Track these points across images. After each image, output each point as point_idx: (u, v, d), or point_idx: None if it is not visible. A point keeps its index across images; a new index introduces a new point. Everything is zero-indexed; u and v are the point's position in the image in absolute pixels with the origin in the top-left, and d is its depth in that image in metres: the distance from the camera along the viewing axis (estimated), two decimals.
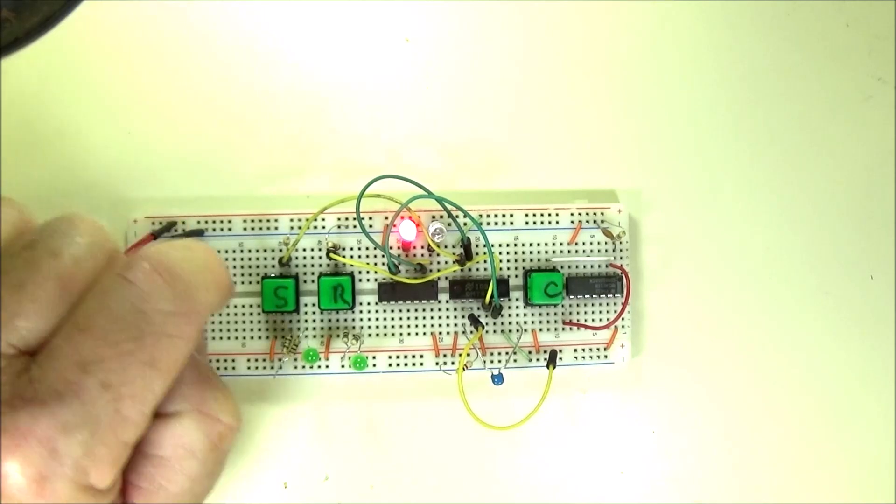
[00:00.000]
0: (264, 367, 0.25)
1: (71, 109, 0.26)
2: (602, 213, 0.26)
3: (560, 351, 0.26)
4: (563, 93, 0.27)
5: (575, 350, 0.26)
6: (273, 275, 0.25)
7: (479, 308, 0.25)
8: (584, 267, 0.26)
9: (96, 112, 0.26)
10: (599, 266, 0.26)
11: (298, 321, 0.25)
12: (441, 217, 0.25)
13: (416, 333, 0.25)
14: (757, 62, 0.28)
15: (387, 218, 0.25)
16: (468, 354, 0.25)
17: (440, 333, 0.25)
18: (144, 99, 0.26)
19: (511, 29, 0.27)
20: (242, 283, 0.25)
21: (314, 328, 0.25)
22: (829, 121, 0.28)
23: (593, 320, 0.26)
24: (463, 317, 0.25)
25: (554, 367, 0.25)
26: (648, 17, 0.28)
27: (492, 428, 0.24)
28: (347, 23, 0.27)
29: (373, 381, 0.26)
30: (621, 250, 0.26)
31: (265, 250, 0.25)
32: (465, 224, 0.25)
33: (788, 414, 0.28)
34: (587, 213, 0.26)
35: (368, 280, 0.25)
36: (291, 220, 0.25)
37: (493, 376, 0.25)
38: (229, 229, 0.25)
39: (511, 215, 0.26)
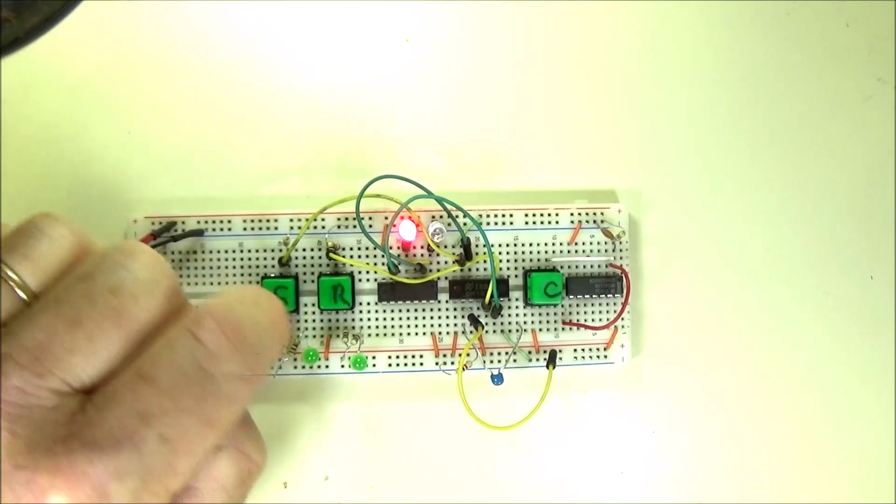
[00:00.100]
0: None
1: (71, 109, 0.26)
2: (602, 213, 0.26)
3: (560, 351, 0.26)
4: (563, 93, 0.27)
5: (575, 350, 0.26)
6: (273, 275, 0.25)
7: (478, 308, 0.25)
8: (584, 267, 0.26)
9: (96, 112, 0.26)
10: (599, 266, 0.26)
11: (298, 321, 0.25)
12: (441, 217, 0.25)
13: (416, 333, 0.25)
14: (757, 62, 0.28)
15: (387, 218, 0.25)
16: (468, 354, 0.25)
17: (440, 333, 0.25)
18: (144, 99, 0.26)
19: (511, 29, 0.27)
20: (242, 283, 0.25)
21: (314, 328, 0.25)
22: (829, 121, 0.28)
23: (593, 320, 0.26)
24: (463, 317, 0.25)
25: (554, 367, 0.25)
26: (648, 17, 0.28)
27: (492, 428, 0.24)
28: (347, 23, 0.27)
29: (373, 381, 0.26)
30: (621, 250, 0.26)
31: (265, 250, 0.25)
32: (464, 224, 0.25)
33: (788, 414, 0.28)
34: (587, 213, 0.26)
35: (368, 280, 0.25)
36: (291, 220, 0.25)
37: (492, 376, 0.25)
38: (229, 229, 0.25)
39: (511, 215, 0.26)
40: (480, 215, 0.25)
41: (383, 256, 0.25)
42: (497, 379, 0.25)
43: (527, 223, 0.26)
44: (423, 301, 0.25)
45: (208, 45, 0.26)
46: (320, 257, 0.25)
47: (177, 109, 0.26)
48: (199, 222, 0.25)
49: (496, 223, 0.26)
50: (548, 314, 0.26)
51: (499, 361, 0.26)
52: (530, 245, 0.26)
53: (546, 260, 0.26)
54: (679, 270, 0.27)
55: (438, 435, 0.26)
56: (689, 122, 0.28)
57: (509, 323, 0.26)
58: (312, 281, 0.25)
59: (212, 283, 0.25)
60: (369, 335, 0.25)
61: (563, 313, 0.26)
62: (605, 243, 0.26)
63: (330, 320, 0.25)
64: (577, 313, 0.26)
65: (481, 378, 0.25)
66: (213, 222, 0.25)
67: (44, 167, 0.25)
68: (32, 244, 0.17)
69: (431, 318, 0.25)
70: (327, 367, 0.25)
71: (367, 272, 0.25)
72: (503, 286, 0.25)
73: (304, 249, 0.25)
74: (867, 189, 0.28)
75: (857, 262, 0.28)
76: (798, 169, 0.28)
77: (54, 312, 0.16)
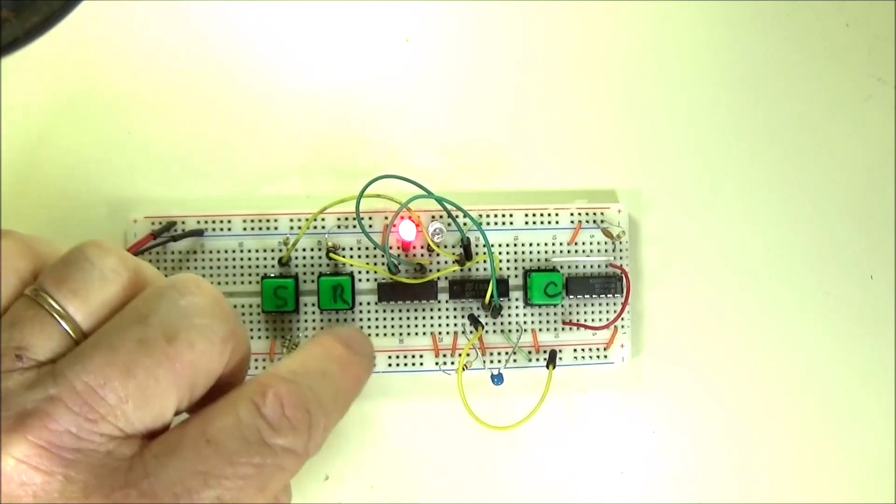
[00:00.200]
0: (264, 367, 0.25)
1: (71, 109, 0.26)
2: (602, 213, 0.26)
3: (560, 351, 0.26)
4: (563, 93, 0.27)
5: (575, 350, 0.26)
6: (273, 275, 0.25)
7: (478, 308, 0.25)
8: (584, 267, 0.26)
9: (96, 112, 0.26)
10: (599, 266, 0.26)
11: (298, 321, 0.25)
12: (441, 217, 0.25)
13: (416, 333, 0.25)
14: (757, 62, 0.28)
15: (386, 218, 0.25)
16: (468, 354, 0.25)
17: (440, 333, 0.25)
18: (144, 99, 0.26)
19: (511, 29, 0.27)
20: (242, 283, 0.25)
21: (314, 328, 0.25)
22: (829, 121, 0.28)
23: (593, 320, 0.26)
24: (463, 317, 0.25)
25: (554, 367, 0.25)
26: (648, 17, 0.28)
27: (492, 428, 0.24)
28: (347, 23, 0.27)
29: (373, 381, 0.26)
30: (621, 250, 0.26)
31: (265, 250, 0.25)
32: (464, 224, 0.25)
33: (788, 414, 0.28)
34: (587, 213, 0.26)
35: (368, 280, 0.25)
36: (291, 220, 0.25)
37: (492, 376, 0.25)
38: (229, 229, 0.25)
39: (511, 215, 0.26)
40: (480, 215, 0.25)
41: (383, 256, 0.25)
42: (497, 379, 0.25)
43: (527, 223, 0.26)
44: (423, 301, 0.25)
45: (208, 46, 0.26)
46: (320, 257, 0.25)
47: (177, 109, 0.26)
48: (199, 222, 0.25)
49: (496, 223, 0.26)
50: (548, 314, 0.26)
51: (499, 361, 0.26)
52: (530, 245, 0.26)
53: (546, 260, 0.26)
54: (679, 270, 0.27)
55: (438, 435, 0.26)
56: (689, 122, 0.28)
57: (509, 323, 0.26)
58: (312, 281, 0.25)
59: (212, 283, 0.25)
60: (369, 335, 0.25)
61: (563, 313, 0.26)
62: (605, 243, 0.26)
63: (330, 320, 0.25)
64: (577, 313, 0.26)
65: (481, 378, 0.25)
66: (213, 222, 0.25)
67: (44, 167, 0.25)
68: (82, 278, 0.16)
69: (431, 318, 0.25)
70: None
71: (367, 272, 0.25)
72: (503, 286, 0.25)
73: (304, 249, 0.25)
74: (867, 189, 0.28)
75: (857, 262, 0.28)
76: (798, 169, 0.28)
77: (107, 359, 0.15)
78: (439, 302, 0.25)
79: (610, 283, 0.26)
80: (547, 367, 0.25)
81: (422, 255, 0.25)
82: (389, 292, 0.25)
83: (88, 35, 0.26)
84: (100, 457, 0.15)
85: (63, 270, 0.17)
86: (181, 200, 0.26)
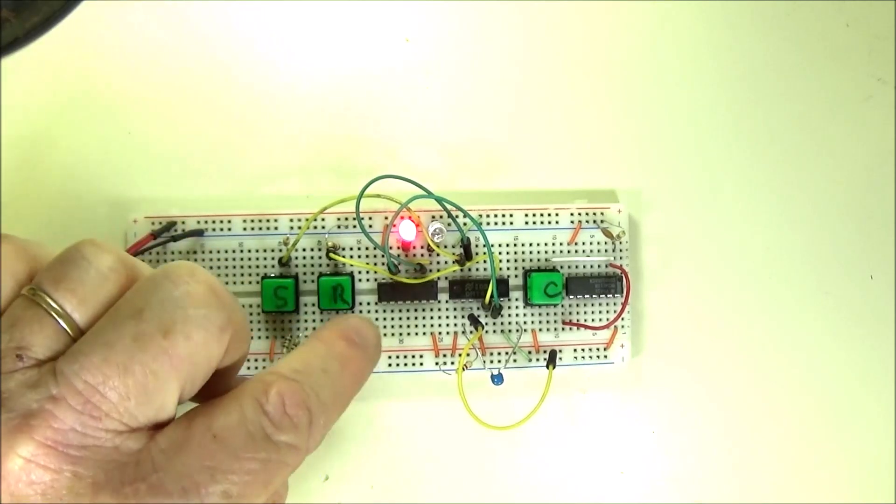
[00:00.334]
0: (264, 368, 0.25)
1: (71, 109, 0.26)
2: (602, 213, 0.26)
3: (560, 351, 0.26)
4: (563, 93, 0.27)
5: (575, 350, 0.26)
6: (273, 275, 0.25)
7: (478, 308, 0.25)
8: (584, 267, 0.26)
9: (96, 112, 0.26)
10: (599, 266, 0.26)
11: (298, 321, 0.25)
12: (441, 217, 0.25)
13: (416, 333, 0.25)
14: (757, 62, 0.28)
15: (386, 218, 0.25)
16: (468, 354, 0.25)
17: (440, 333, 0.25)
18: (144, 99, 0.26)
19: (511, 29, 0.27)
20: (242, 283, 0.25)
21: (314, 328, 0.25)
22: (829, 121, 0.28)
23: (593, 320, 0.26)
24: (463, 317, 0.25)
25: (554, 367, 0.25)
26: (648, 17, 0.28)
27: (492, 428, 0.24)
28: (347, 23, 0.27)
29: (373, 381, 0.26)
30: (621, 250, 0.26)
31: (265, 250, 0.25)
32: (464, 224, 0.25)
33: (788, 414, 0.28)
34: (587, 213, 0.26)
35: (368, 280, 0.25)
36: (291, 220, 0.25)
37: (492, 376, 0.25)
38: (229, 229, 0.25)
39: (511, 215, 0.26)
40: (480, 215, 0.25)
41: (383, 256, 0.25)
42: (497, 379, 0.25)
43: (527, 223, 0.26)
44: (423, 301, 0.25)
45: (208, 46, 0.26)
46: (320, 257, 0.25)
47: (177, 109, 0.26)
48: (199, 222, 0.25)
49: (496, 223, 0.26)
50: (548, 314, 0.26)
51: (499, 361, 0.26)
52: (530, 245, 0.26)
53: (546, 260, 0.26)
54: (679, 270, 0.27)
55: (438, 435, 0.26)
56: (689, 122, 0.28)
57: (509, 323, 0.26)
58: (312, 281, 0.25)
59: None
60: None
61: (563, 313, 0.26)
62: (605, 243, 0.26)
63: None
64: (577, 313, 0.26)
65: (481, 378, 0.25)
66: (213, 222, 0.25)
67: (44, 167, 0.25)
68: (79, 276, 0.17)
69: (431, 318, 0.25)
70: None
71: (367, 272, 0.25)
72: (503, 286, 0.25)
73: (304, 249, 0.25)
74: (867, 189, 0.28)
75: (857, 262, 0.28)
76: (798, 169, 0.28)
77: (104, 357, 0.16)
78: (439, 302, 0.25)
79: (610, 283, 0.26)
80: (547, 367, 0.25)
81: (422, 255, 0.25)
82: (389, 292, 0.25)
83: (88, 35, 0.26)
84: (107, 452, 0.15)
85: (60, 269, 0.17)
86: (181, 200, 0.26)
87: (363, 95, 0.27)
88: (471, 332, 0.25)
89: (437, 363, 0.25)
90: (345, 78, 0.27)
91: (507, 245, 0.26)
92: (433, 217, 0.25)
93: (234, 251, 0.25)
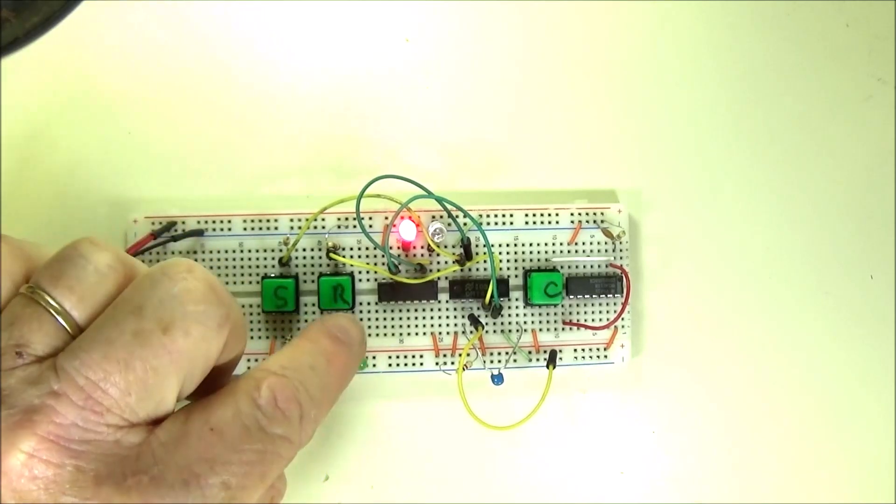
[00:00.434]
0: None
1: (71, 109, 0.26)
2: (602, 213, 0.26)
3: (560, 351, 0.26)
4: (563, 93, 0.27)
5: (575, 350, 0.26)
6: (273, 275, 0.25)
7: (478, 308, 0.25)
8: (584, 267, 0.26)
9: (96, 112, 0.26)
10: (599, 266, 0.26)
11: (298, 321, 0.25)
12: (441, 217, 0.25)
13: (416, 333, 0.25)
14: (757, 62, 0.28)
15: (387, 218, 0.25)
16: (468, 354, 0.25)
17: (440, 333, 0.25)
18: (144, 99, 0.26)
19: (511, 29, 0.27)
20: (242, 283, 0.25)
21: None
22: (829, 121, 0.28)
23: (593, 320, 0.26)
24: (463, 317, 0.25)
25: (554, 367, 0.25)
26: (648, 17, 0.28)
27: (492, 428, 0.24)
28: (347, 23, 0.27)
29: (373, 381, 0.26)
30: (621, 250, 0.26)
31: (265, 250, 0.25)
32: (465, 224, 0.25)
33: (788, 414, 0.28)
34: (587, 213, 0.26)
35: (368, 280, 0.25)
36: (291, 220, 0.25)
37: (492, 376, 0.25)
38: (229, 229, 0.25)
39: (511, 215, 0.26)
40: (480, 215, 0.25)
41: (383, 256, 0.25)
42: (497, 379, 0.25)
43: (527, 223, 0.26)
44: (423, 301, 0.25)
45: (208, 45, 0.26)
46: (320, 257, 0.25)
47: (177, 109, 0.26)
48: (199, 222, 0.25)
49: (496, 223, 0.26)
50: (548, 314, 0.26)
51: (499, 361, 0.26)
52: (530, 245, 0.26)
53: (546, 260, 0.26)
54: (679, 270, 0.27)
55: (438, 435, 0.26)
56: (689, 122, 0.28)
57: (509, 323, 0.26)
58: (312, 281, 0.25)
59: None
60: (369, 335, 0.25)
61: (563, 313, 0.26)
62: (605, 243, 0.26)
63: None
64: (577, 313, 0.26)
65: (481, 378, 0.25)
66: (213, 222, 0.25)
67: (44, 167, 0.25)
68: (77, 274, 0.17)
69: (431, 318, 0.25)
70: None
71: (367, 272, 0.25)
72: (503, 286, 0.25)
73: (304, 249, 0.25)
74: (867, 189, 0.28)
75: (857, 262, 0.28)
76: (798, 169, 0.28)
77: (105, 354, 0.16)
78: (439, 302, 0.25)
79: (610, 283, 0.26)
80: (547, 367, 0.25)
81: (422, 255, 0.25)
82: (389, 292, 0.25)
83: (88, 35, 0.26)
84: (108, 446, 0.16)
85: (58, 268, 0.17)
86: (181, 200, 0.26)
87: (363, 95, 0.27)
88: (471, 332, 0.25)
89: (437, 363, 0.25)
90: (345, 78, 0.27)
91: (507, 245, 0.26)
92: (433, 217, 0.25)
93: (234, 251, 0.25)
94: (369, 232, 0.24)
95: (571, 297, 0.26)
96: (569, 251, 0.26)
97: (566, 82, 0.27)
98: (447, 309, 0.25)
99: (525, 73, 0.27)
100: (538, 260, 0.26)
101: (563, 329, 0.26)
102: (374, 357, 0.25)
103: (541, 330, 0.26)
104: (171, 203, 0.25)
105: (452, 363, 0.25)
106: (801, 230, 0.28)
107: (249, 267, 0.25)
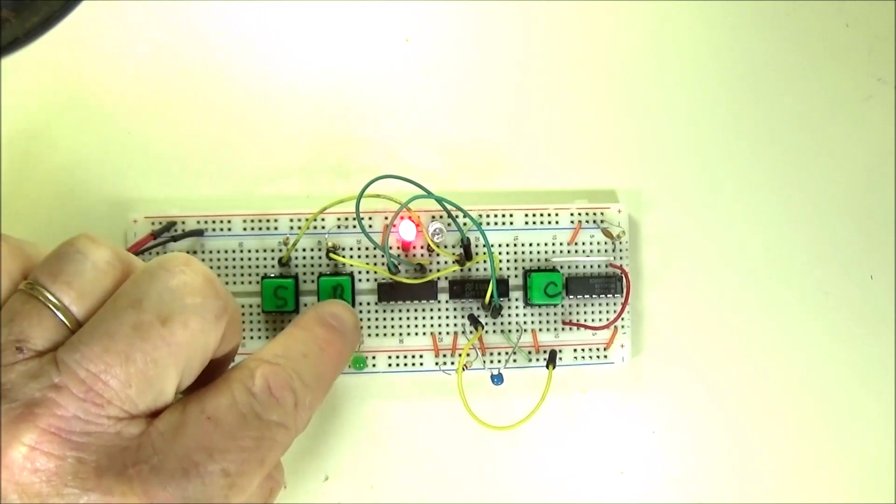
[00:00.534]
0: None
1: (71, 109, 0.26)
2: (602, 213, 0.26)
3: (560, 351, 0.26)
4: (563, 93, 0.27)
5: (575, 350, 0.26)
6: (273, 275, 0.25)
7: (478, 308, 0.25)
8: (584, 267, 0.26)
9: (96, 112, 0.26)
10: (599, 266, 0.26)
11: None
12: (441, 217, 0.25)
13: (416, 333, 0.25)
14: (757, 62, 0.28)
15: (386, 218, 0.25)
16: (468, 354, 0.25)
17: (440, 333, 0.25)
18: (144, 99, 0.26)
19: (511, 29, 0.27)
20: (242, 283, 0.25)
21: None
22: (829, 121, 0.28)
23: (593, 320, 0.26)
24: (463, 317, 0.25)
25: (554, 367, 0.25)
26: (648, 17, 0.28)
27: (492, 428, 0.24)
28: (347, 23, 0.27)
29: (373, 381, 0.26)
30: (621, 250, 0.26)
31: (265, 250, 0.25)
32: (464, 224, 0.25)
33: (788, 414, 0.28)
34: (587, 213, 0.26)
35: (368, 280, 0.25)
36: (291, 220, 0.25)
37: (492, 376, 0.25)
38: (229, 229, 0.25)
39: (511, 215, 0.26)
40: (480, 215, 0.25)
41: (383, 256, 0.25)
42: (497, 379, 0.25)
43: (527, 223, 0.26)
44: (422, 301, 0.25)
45: (208, 45, 0.26)
46: (320, 257, 0.25)
47: (177, 109, 0.26)
48: (199, 222, 0.25)
49: (496, 223, 0.26)
50: (548, 314, 0.26)
51: (499, 361, 0.26)
52: (530, 245, 0.26)
53: (546, 260, 0.26)
54: (679, 270, 0.27)
55: (438, 435, 0.26)
56: (689, 122, 0.28)
57: (509, 323, 0.26)
58: (312, 281, 0.25)
59: None
60: (369, 335, 0.25)
61: (563, 313, 0.26)
62: (605, 243, 0.26)
63: None
64: (577, 313, 0.26)
65: (481, 378, 0.25)
66: (213, 222, 0.25)
67: (44, 167, 0.25)
68: (75, 270, 0.17)
69: (431, 318, 0.25)
70: None
71: (367, 272, 0.25)
72: (503, 286, 0.25)
73: (304, 249, 0.25)
74: (867, 189, 0.28)
75: (857, 262, 0.28)
76: (798, 169, 0.28)
77: (106, 346, 0.16)
78: (439, 302, 0.25)
79: (610, 283, 0.26)
80: (547, 367, 0.25)
81: (422, 255, 0.25)
82: (389, 292, 0.25)
83: (88, 35, 0.26)
84: (109, 438, 0.16)
85: (56, 264, 0.17)
86: (181, 200, 0.26)
87: (363, 95, 0.27)
88: (471, 332, 0.25)
89: (437, 363, 0.25)
90: (345, 78, 0.27)
91: (507, 245, 0.26)
92: (433, 217, 0.25)
93: (234, 251, 0.25)
94: (369, 232, 0.24)
95: (571, 297, 0.26)
96: (569, 251, 0.26)
97: (566, 82, 0.27)
98: (447, 309, 0.25)
99: (525, 73, 0.27)
100: (538, 260, 0.26)
101: (562, 329, 0.26)
102: (373, 357, 0.25)
103: (541, 330, 0.26)
104: (171, 203, 0.25)
105: (452, 363, 0.25)
106: (801, 230, 0.28)
107: (249, 267, 0.25)
